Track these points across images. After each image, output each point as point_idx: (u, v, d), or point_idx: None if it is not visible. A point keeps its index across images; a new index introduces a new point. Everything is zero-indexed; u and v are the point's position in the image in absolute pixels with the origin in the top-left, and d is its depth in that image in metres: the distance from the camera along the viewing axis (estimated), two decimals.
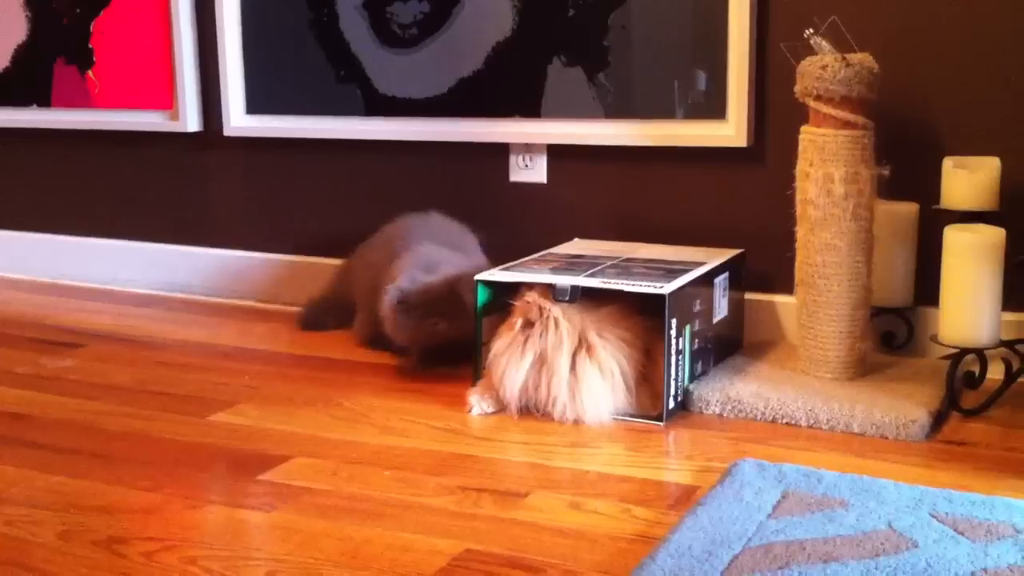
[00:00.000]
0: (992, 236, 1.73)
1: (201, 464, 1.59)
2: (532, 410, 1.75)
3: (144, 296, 2.70)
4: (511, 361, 1.74)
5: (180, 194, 2.71)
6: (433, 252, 2.03)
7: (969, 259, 1.73)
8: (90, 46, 2.70)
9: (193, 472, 1.56)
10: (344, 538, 1.33)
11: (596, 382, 1.72)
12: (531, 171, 2.30)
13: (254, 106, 2.54)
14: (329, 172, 2.52)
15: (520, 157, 2.31)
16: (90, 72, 2.71)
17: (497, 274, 1.86)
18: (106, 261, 2.79)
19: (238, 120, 2.55)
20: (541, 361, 1.73)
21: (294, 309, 2.51)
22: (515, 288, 1.82)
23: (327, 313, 2.33)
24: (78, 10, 2.69)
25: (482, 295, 1.86)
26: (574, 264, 1.92)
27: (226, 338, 2.30)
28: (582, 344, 1.73)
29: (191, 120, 2.61)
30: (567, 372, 1.72)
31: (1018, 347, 1.79)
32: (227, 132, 2.57)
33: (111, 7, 2.66)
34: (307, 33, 2.45)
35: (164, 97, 2.63)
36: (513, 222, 2.32)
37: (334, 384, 1.95)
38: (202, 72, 2.60)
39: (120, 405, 1.85)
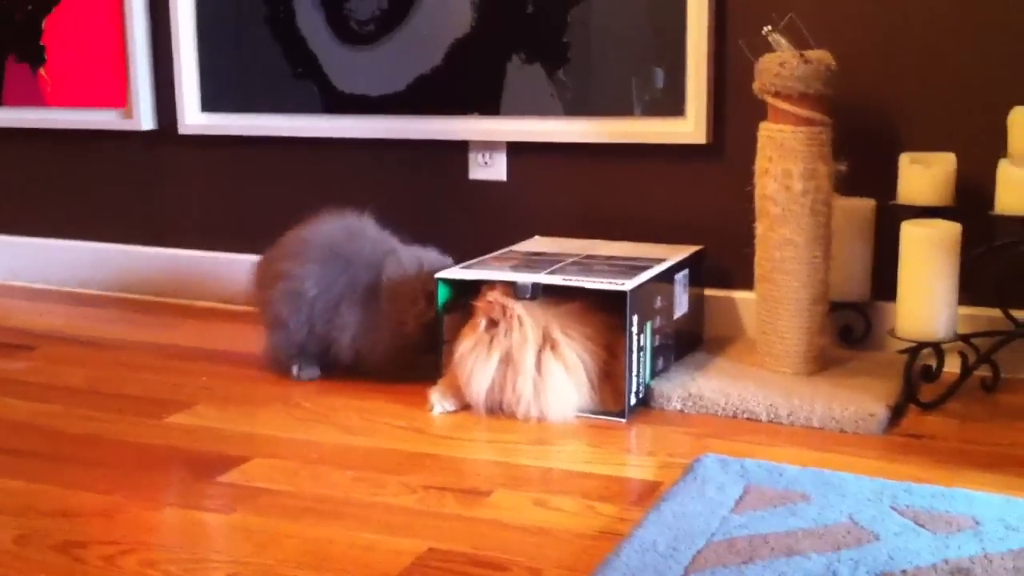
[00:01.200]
0: (948, 231, 1.75)
1: (159, 466, 1.57)
2: (498, 410, 1.75)
3: (99, 297, 2.67)
4: (478, 362, 1.73)
5: (134, 193, 2.67)
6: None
7: (926, 254, 1.74)
8: (42, 43, 2.65)
9: (151, 474, 1.54)
10: (306, 539, 1.32)
11: (561, 379, 1.72)
12: (491, 168, 2.30)
13: (209, 104, 2.52)
14: (286, 170, 2.50)
15: (479, 154, 2.30)
16: (42, 70, 2.67)
17: (457, 272, 1.86)
18: (59, 262, 2.75)
19: (193, 118, 2.53)
20: (507, 360, 1.72)
21: (250, 309, 2.49)
22: (475, 286, 1.81)
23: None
24: (29, 7, 2.65)
25: (443, 294, 1.85)
26: (535, 261, 1.92)
27: (182, 339, 2.27)
28: (547, 341, 1.73)
29: (145, 118, 2.58)
30: (532, 369, 1.71)
31: (974, 341, 1.81)
32: (182, 130, 2.54)
33: (63, 4, 2.62)
34: (263, 29, 2.43)
35: (118, 95, 2.60)
36: (473, 220, 2.32)
37: (293, 384, 1.93)
38: (156, 69, 2.57)
39: (75, 407, 1.83)
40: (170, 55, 2.51)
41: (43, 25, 2.64)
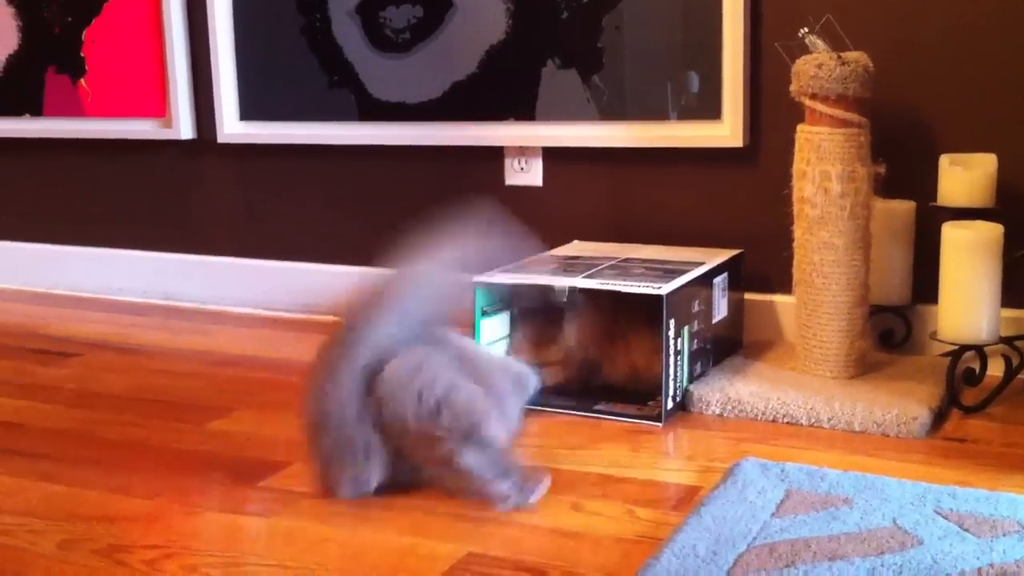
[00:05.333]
0: (990, 232, 1.73)
1: (200, 471, 1.58)
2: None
3: (139, 304, 2.69)
4: None
5: (174, 202, 2.70)
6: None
7: (967, 256, 1.73)
8: (82, 55, 2.69)
9: (192, 479, 1.55)
10: (345, 543, 1.32)
11: None
12: (527, 174, 2.30)
13: (247, 113, 2.54)
14: (323, 178, 2.52)
15: (515, 160, 2.30)
16: (82, 81, 2.70)
17: (496, 277, 1.86)
18: (100, 270, 2.78)
19: (231, 127, 2.55)
20: None
21: (288, 315, 2.51)
22: (514, 290, 1.81)
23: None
24: (69, 19, 2.69)
25: (482, 298, 1.85)
26: (572, 266, 1.92)
27: (222, 345, 2.29)
28: None
29: (184, 127, 2.60)
30: None
31: (1017, 343, 1.79)
32: (221, 139, 2.56)
33: (102, 15, 2.65)
34: (299, 39, 2.44)
35: (157, 105, 2.63)
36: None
37: None
38: (195, 79, 2.59)
39: (117, 414, 1.85)
40: (208, 65, 2.54)
41: (83, 36, 2.68)
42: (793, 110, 1.84)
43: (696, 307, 1.83)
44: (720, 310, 1.94)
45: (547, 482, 1.45)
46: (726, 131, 2.07)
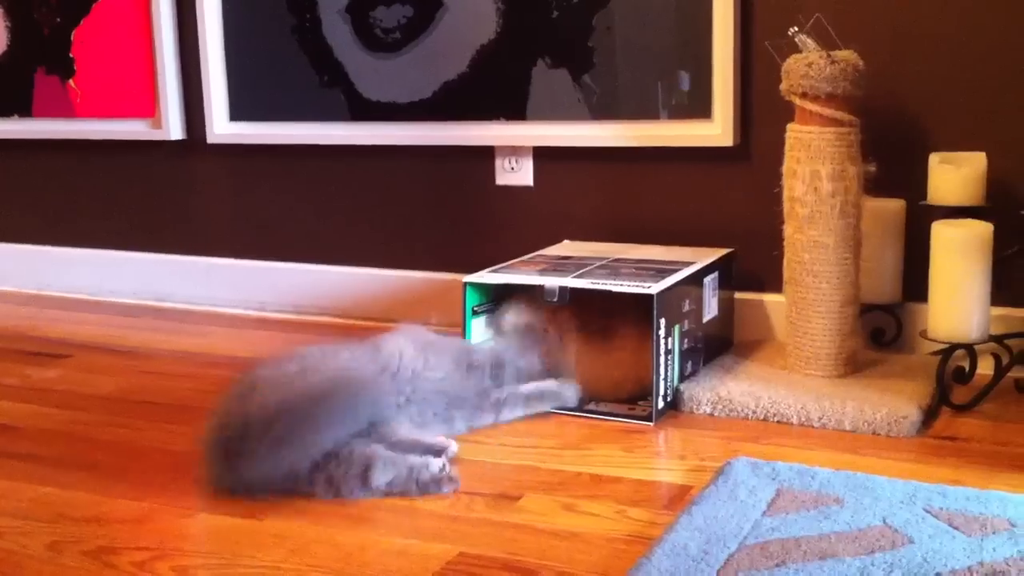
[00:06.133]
0: (980, 231, 1.73)
1: (191, 472, 1.57)
2: None
3: (130, 306, 2.69)
4: None
5: (164, 202, 2.69)
6: None
7: (957, 254, 1.73)
8: (71, 55, 2.68)
9: (183, 481, 1.54)
10: (336, 544, 1.32)
11: None
12: (517, 174, 2.30)
13: (237, 113, 2.53)
14: (314, 178, 2.51)
15: (506, 160, 2.30)
16: (72, 81, 2.70)
17: (486, 276, 1.86)
18: (90, 271, 2.78)
19: (221, 127, 2.54)
20: None
21: (279, 316, 2.51)
22: (505, 290, 1.81)
23: None
24: (58, 19, 2.68)
25: (472, 297, 1.85)
26: (563, 265, 1.92)
27: (212, 347, 2.29)
28: None
29: (174, 128, 2.59)
30: None
31: (1007, 342, 1.80)
32: (211, 139, 2.56)
33: (91, 16, 2.64)
34: (289, 39, 2.44)
35: (147, 105, 2.62)
36: (500, 225, 2.32)
37: None
38: (184, 79, 2.59)
39: (108, 415, 1.84)
40: (198, 65, 2.53)
41: (72, 37, 2.67)
42: (783, 109, 1.85)
43: (687, 306, 1.83)
44: (711, 309, 1.94)
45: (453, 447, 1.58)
46: (717, 130, 2.07)
